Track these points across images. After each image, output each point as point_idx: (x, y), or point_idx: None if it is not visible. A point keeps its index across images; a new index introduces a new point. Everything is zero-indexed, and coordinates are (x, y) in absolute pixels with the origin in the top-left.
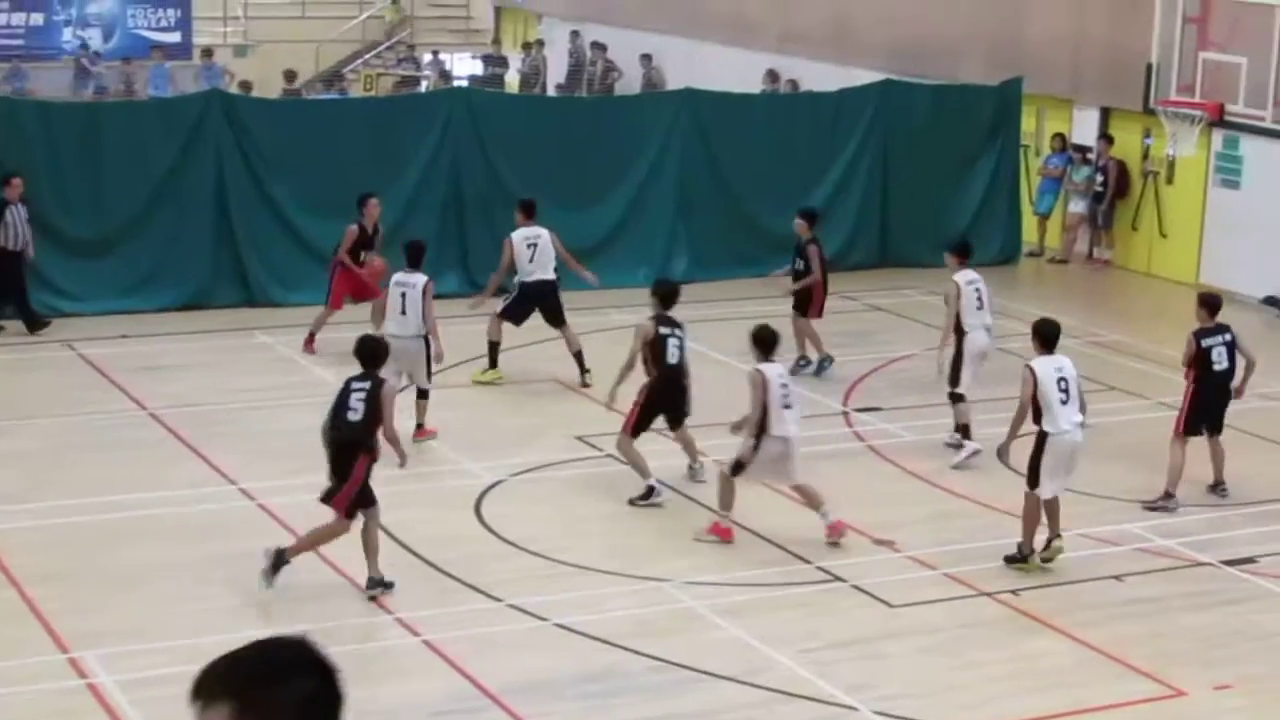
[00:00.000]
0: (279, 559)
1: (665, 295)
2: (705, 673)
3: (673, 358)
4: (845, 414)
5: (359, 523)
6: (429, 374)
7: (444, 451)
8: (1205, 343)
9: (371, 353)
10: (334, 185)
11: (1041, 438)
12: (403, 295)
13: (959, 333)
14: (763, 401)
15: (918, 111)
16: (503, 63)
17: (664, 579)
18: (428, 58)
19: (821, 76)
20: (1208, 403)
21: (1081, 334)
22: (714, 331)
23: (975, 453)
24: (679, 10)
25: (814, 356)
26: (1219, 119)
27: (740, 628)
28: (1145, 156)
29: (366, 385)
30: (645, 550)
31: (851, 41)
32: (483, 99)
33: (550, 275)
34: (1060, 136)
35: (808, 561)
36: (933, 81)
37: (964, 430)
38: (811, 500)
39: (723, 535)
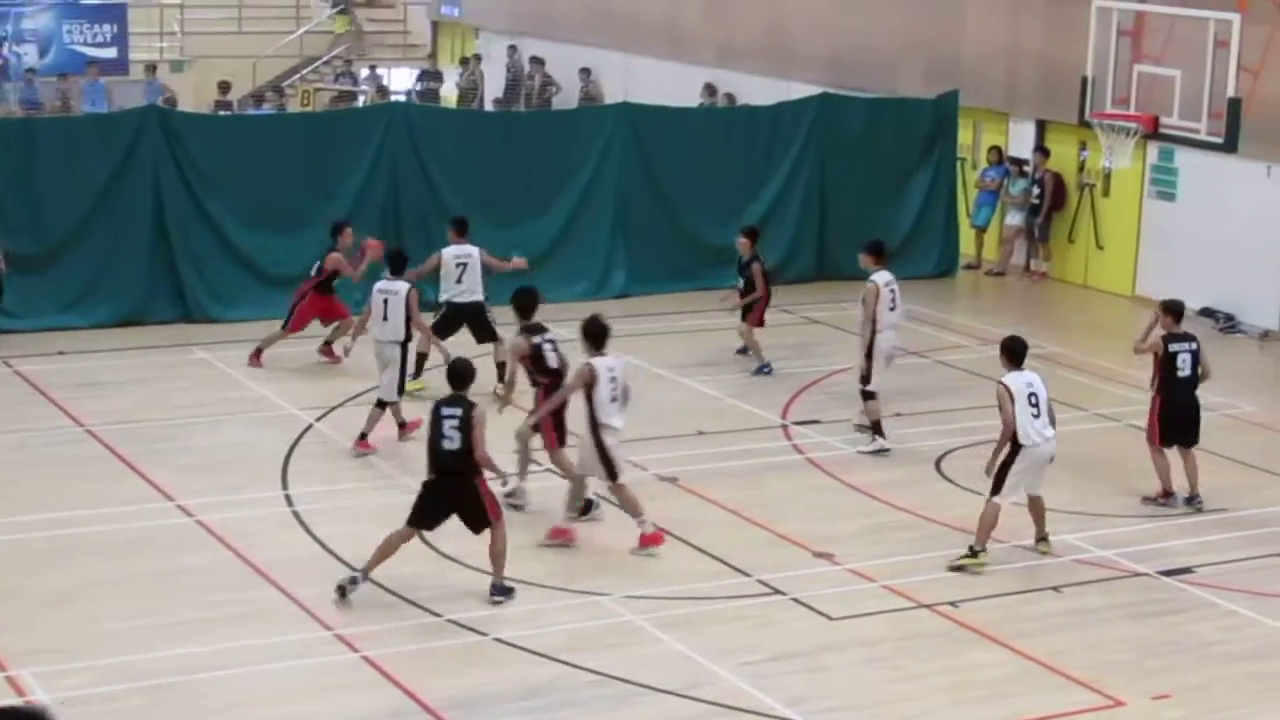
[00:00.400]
0: (501, 591)
1: (522, 305)
2: (645, 686)
3: (553, 363)
4: (784, 427)
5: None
6: (401, 386)
7: (381, 466)
8: (1172, 348)
9: (462, 375)
10: (272, 200)
11: (1014, 450)
12: (385, 301)
13: (873, 331)
14: (591, 395)
15: (854, 124)
16: (438, 77)
17: (603, 593)
18: (365, 73)
19: (759, 90)
20: (1175, 410)
21: None
22: (653, 345)
23: (884, 450)
24: (616, 24)
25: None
26: (1154, 131)
27: (680, 641)
28: (1081, 169)
29: (458, 412)
30: (584, 564)
31: (788, 55)
32: (420, 113)
33: (478, 296)
34: (997, 149)
35: (747, 574)
36: (870, 94)
37: (875, 426)
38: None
39: (653, 542)
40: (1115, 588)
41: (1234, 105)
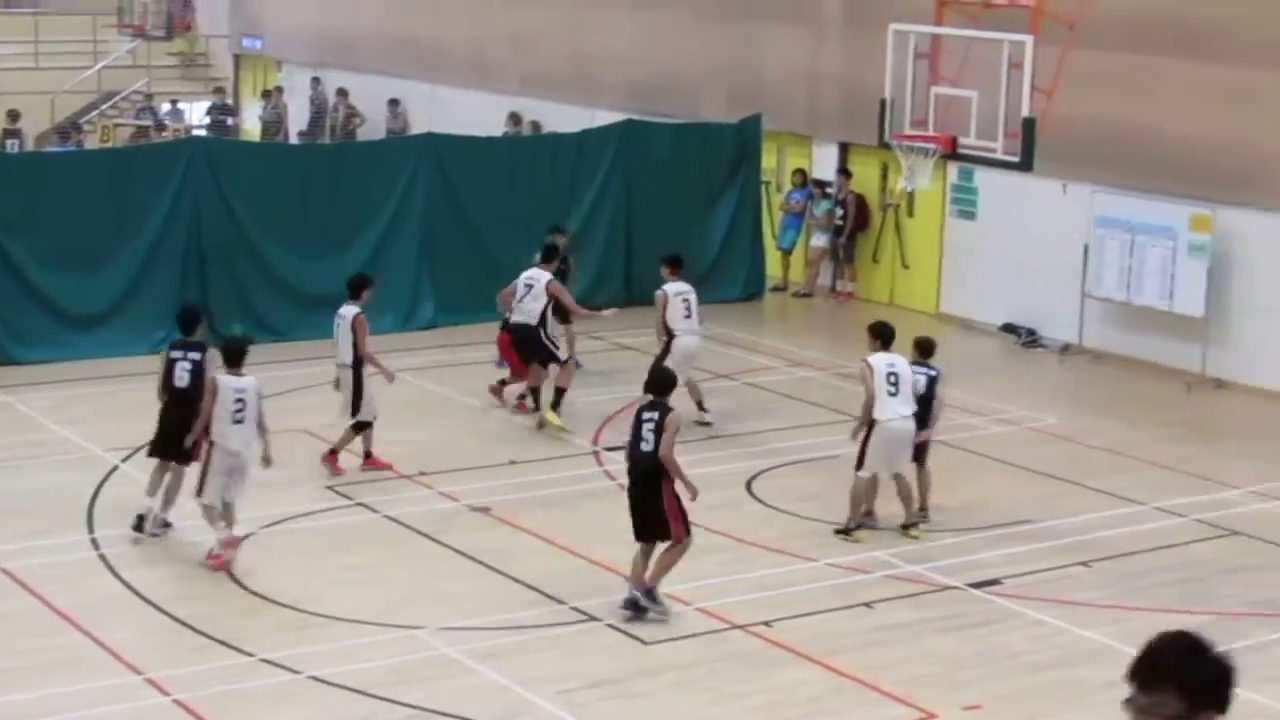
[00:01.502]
0: (641, 601)
1: (184, 322)
2: (464, 719)
3: (181, 381)
4: (596, 453)
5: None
6: (356, 406)
7: (187, 505)
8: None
9: (661, 383)
10: (73, 239)
11: (870, 425)
12: (336, 326)
13: (670, 336)
14: (211, 410)
15: (659, 150)
16: (229, 110)
17: (418, 626)
18: (166, 107)
19: (564, 117)
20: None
21: (827, 366)
22: (462, 375)
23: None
24: (422, 55)
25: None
26: (952, 152)
27: (497, 671)
28: (884, 190)
29: (655, 415)
30: (397, 598)
31: (593, 82)
32: (222, 147)
33: (531, 320)
34: (800, 172)
35: (562, 602)
36: (674, 120)
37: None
38: (228, 517)
39: (216, 561)
40: (925, 602)
41: (1029, 125)
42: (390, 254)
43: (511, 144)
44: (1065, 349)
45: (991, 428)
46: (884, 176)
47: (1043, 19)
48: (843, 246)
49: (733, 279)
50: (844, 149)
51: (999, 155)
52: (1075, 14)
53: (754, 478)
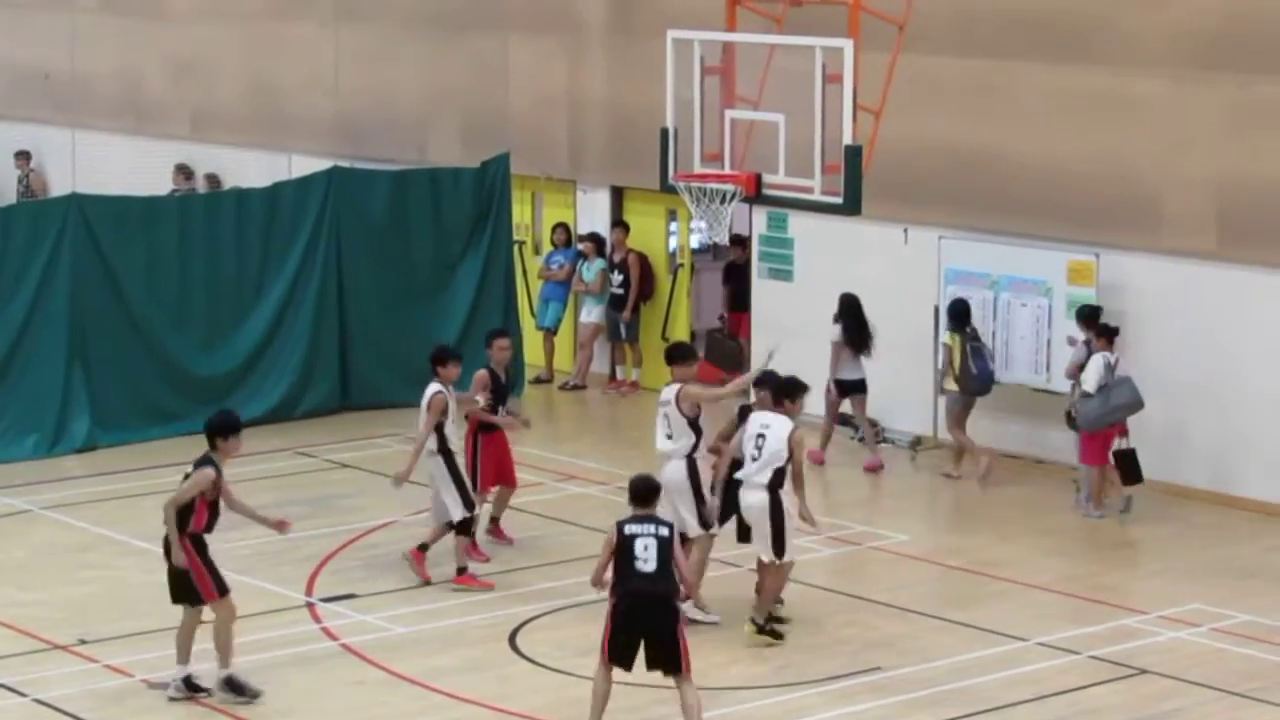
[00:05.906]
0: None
1: None
2: None
3: None
4: (310, 605)
5: None
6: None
7: None
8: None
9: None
10: None
11: None
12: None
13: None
14: None
15: (377, 206)
16: None
17: None
18: None
19: (249, 167)
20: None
21: (607, 478)
22: (128, 511)
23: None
24: (56, 92)
25: None
26: (756, 194)
27: None
28: (672, 255)
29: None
30: None
31: (284, 121)
32: None
33: None
34: (563, 227)
35: None
36: (393, 166)
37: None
38: None
39: None
40: None
41: (853, 154)
42: (28, 353)
43: (183, 205)
44: (916, 444)
45: (822, 550)
46: (671, 228)
47: (863, 17)
48: (624, 323)
49: (479, 368)
50: (618, 195)
51: (817, 196)
52: (905, 10)
53: (518, 629)
